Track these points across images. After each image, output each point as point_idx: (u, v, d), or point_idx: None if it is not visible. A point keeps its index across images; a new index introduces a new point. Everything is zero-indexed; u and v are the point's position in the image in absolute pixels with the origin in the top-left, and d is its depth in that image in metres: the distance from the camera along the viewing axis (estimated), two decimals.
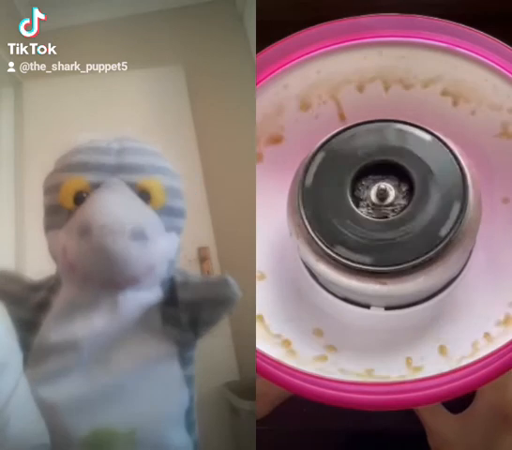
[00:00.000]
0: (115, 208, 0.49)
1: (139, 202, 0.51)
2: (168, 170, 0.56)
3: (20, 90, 1.56)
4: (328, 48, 0.49)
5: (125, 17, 1.70)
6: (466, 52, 0.48)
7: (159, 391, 0.52)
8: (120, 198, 0.50)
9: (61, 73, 1.57)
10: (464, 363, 0.42)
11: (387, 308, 0.48)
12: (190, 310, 0.53)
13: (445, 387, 0.42)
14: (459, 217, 0.41)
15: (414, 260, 0.41)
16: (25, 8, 1.65)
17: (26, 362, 0.48)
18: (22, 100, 1.55)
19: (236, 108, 1.36)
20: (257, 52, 0.52)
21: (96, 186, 0.51)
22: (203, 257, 1.37)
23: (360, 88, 0.49)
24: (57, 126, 1.43)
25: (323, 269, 0.44)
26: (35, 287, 0.55)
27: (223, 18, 1.69)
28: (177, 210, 0.55)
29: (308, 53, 0.48)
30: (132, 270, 0.49)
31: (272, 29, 0.47)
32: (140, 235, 0.48)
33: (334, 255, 0.43)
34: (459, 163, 0.43)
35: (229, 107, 1.52)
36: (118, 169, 0.52)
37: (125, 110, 1.46)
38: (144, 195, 0.52)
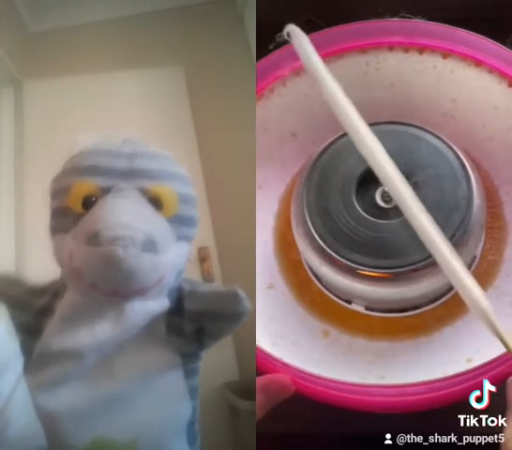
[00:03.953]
0: (125, 217, 0.47)
1: (150, 209, 0.49)
2: (182, 176, 0.54)
3: (20, 90, 1.56)
4: (331, 53, 0.49)
5: (125, 17, 1.69)
6: (466, 56, 0.48)
7: (162, 402, 0.51)
8: (130, 205, 0.48)
9: (61, 73, 1.57)
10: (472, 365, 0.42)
11: (390, 311, 0.48)
12: (196, 321, 0.51)
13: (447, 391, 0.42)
14: (463, 220, 0.41)
15: (418, 262, 0.41)
16: (26, 8, 1.65)
17: (27, 368, 0.47)
18: (22, 100, 1.55)
19: (237, 108, 1.36)
20: (257, 52, 0.52)
21: (105, 190, 0.49)
22: (203, 257, 1.37)
23: (365, 92, 0.49)
24: (57, 125, 1.43)
25: (327, 272, 0.44)
26: (38, 291, 0.54)
27: (223, 18, 1.69)
28: (189, 219, 0.53)
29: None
30: (141, 281, 0.48)
31: (272, 30, 0.46)
32: (150, 247, 0.47)
33: (338, 257, 0.43)
34: (463, 166, 0.43)
35: (229, 107, 1.52)
36: (129, 173, 0.50)
37: (125, 110, 1.46)
38: (156, 202, 0.50)
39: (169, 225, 0.50)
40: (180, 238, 0.51)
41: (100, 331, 0.48)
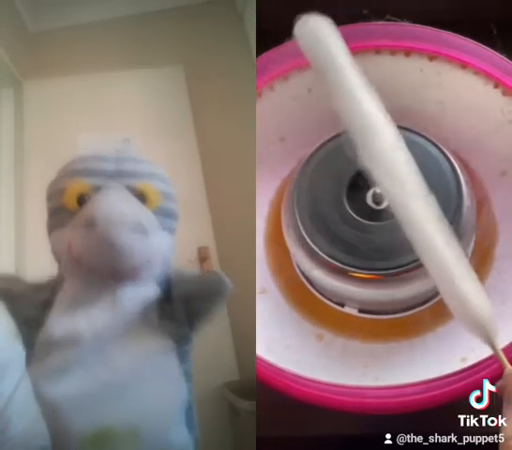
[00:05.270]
0: (117, 204, 0.53)
1: (136, 201, 0.56)
2: (163, 176, 0.61)
3: (20, 90, 1.56)
4: None
5: (125, 17, 1.69)
6: (456, 59, 0.48)
7: (160, 387, 0.54)
8: (120, 197, 0.55)
9: (61, 73, 1.57)
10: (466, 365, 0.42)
11: (384, 313, 0.48)
12: (184, 304, 0.55)
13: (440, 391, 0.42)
14: (454, 221, 0.41)
15: (409, 264, 0.41)
16: (26, 8, 1.65)
17: (30, 359, 0.49)
18: (22, 100, 1.55)
19: (237, 108, 1.36)
20: (257, 51, 0.52)
21: (97, 189, 0.55)
22: (203, 257, 1.37)
23: None
24: (57, 125, 1.43)
25: (319, 275, 0.44)
26: (38, 287, 0.58)
27: (223, 18, 1.69)
28: (171, 212, 0.60)
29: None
30: (133, 260, 0.53)
31: (272, 30, 0.46)
32: (140, 228, 0.53)
33: (329, 260, 0.42)
34: (452, 167, 0.43)
35: (229, 107, 1.52)
36: (117, 174, 0.57)
37: (125, 110, 1.46)
38: (141, 196, 0.56)
39: (154, 215, 0.56)
40: (164, 228, 0.57)
41: (97, 317, 0.52)
